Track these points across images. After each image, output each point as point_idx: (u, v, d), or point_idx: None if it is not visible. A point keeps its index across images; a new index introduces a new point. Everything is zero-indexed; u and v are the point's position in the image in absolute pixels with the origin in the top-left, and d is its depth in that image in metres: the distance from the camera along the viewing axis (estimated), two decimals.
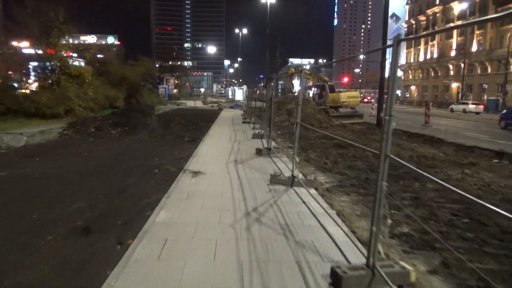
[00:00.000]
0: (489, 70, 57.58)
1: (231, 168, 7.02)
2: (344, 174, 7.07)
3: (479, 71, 59.90)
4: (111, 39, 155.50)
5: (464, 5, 58.93)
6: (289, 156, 8.60)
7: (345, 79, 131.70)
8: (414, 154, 10.53)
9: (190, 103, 37.08)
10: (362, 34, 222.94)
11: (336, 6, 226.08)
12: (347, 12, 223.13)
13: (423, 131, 18.21)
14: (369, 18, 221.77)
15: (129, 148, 9.17)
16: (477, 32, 59.68)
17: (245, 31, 77.18)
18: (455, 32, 67.11)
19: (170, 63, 78.57)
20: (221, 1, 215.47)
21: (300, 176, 6.18)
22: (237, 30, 73.52)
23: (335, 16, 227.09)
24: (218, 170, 6.76)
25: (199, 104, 40.27)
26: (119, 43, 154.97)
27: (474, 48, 60.01)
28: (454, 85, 67.09)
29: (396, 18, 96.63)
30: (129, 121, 12.10)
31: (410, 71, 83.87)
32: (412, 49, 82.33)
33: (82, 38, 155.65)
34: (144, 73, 22.39)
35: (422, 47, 77.98)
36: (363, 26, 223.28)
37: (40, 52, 13.06)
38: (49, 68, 13.06)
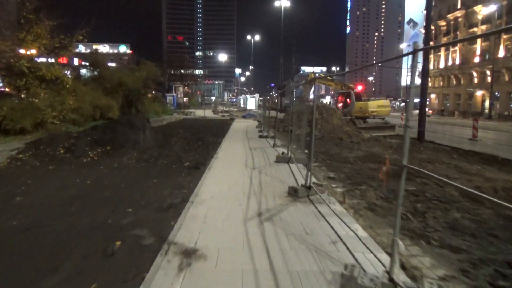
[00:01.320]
0: None
1: (254, 233, 3.96)
2: (459, 250, 3.91)
3: (506, 78, 56.13)
4: (123, 48, 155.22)
5: (489, 9, 55.35)
6: (341, 200, 5.57)
7: (359, 87, 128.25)
8: (494, 184, 7.43)
9: (199, 113, 34.31)
10: (375, 42, 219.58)
11: (348, 14, 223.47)
12: (359, 19, 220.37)
13: (475, 147, 15.11)
14: (382, 26, 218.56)
15: (97, 183, 6.18)
16: (505, 36, 56.00)
17: (256, 38, 74.69)
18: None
19: (182, 71, 76.61)
20: (232, 10, 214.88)
21: (396, 271, 3.00)
22: (249, 37, 71.02)
23: (348, 23, 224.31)
24: (230, 242, 3.70)
25: (209, 113, 37.47)
26: (131, 52, 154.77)
27: (501, 53, 56.23)
28: (479, 93, 63.28)
29: (414, 23, 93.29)
30: (114, 138, 9.19)
31: (429, 79, 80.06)
32: (432, 56, 78.60)
33: (95, 47, 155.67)
34: (146, 79, 19.64)
35: (442, 53, 74.31)
36: (376, 33, 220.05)
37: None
38: (15, 70, 10.26)
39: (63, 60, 15.65)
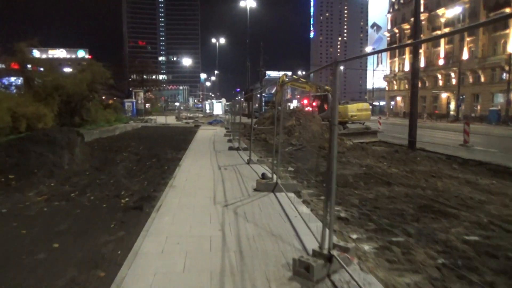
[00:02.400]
0: (482, 79, 54.38)
1: None
2: None
3: (471, 80, 56.69)
4: (81, 53, 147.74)
5: (452, 12, 55.87)
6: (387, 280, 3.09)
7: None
8: None
9: (161, 119, 31.25)
10: (339, 46, 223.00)
11: (312, 19, 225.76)
12: (323, 24, 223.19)
13: (473, 155, 13.44)
14: (345, 31, 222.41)
15: None
16: (468, 39, 56.57)
17: (221, 41, 72.15)
18: (442, 40, 64.06)
19: (145, 76, 72.89)
20: (196, 14, 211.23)
21: None
22: (213, 40, 68.39)
23: (311, 28, 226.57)
24: None
25: (171, 120, 34.42)
26: (90, 56, 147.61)
27: (465, 56, 56.68)
28: (444, 96, 63.81)
29: (377, 27, 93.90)
30: (22, 162, 6.32)
31: (395, 82, 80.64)
32: (397, 59, 79.26)
33: (51, 52, 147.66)
34: (92, 82, 16.56)
35: (407, 56, 74.79)
36: (340, 38, 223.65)
37: None
38: None
39: (14, 65, 14.81)
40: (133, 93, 45.16)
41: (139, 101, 44.36)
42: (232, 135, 17.21)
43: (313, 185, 7.31)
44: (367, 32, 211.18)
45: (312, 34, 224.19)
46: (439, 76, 64.37)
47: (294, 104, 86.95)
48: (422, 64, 69.28)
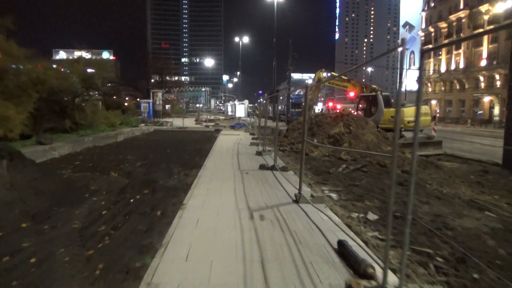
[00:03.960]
0: None
1: None
2: None
3: None
4: (106, 54, 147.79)
5: (506, 5, 50.57)
6: None
7: (351, 93, 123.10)
8: None
9: (179, 122, 27.98)
10: (365, 48, 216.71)
11: (337, 20, 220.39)
12: (348, 25, 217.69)
13: None
14: (371, 32, 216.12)
15: None
16: None
17: (245, 40, 68.73)
18: (485, 38, 58.62)
19: (166, 77, 70.48)
20: (219, 16, 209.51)
21: None
22: (237, 39, 65.02)
23: (337, 30, 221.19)
24: None
25: (190, 123, 31.17)
26: (114, 58, 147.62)
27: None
28: (487, 99, 58.36)
29: (410, 26, 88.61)
30: None
31: (429, 84, 75.27)
32: (432, 59, 73.89)
33: (76, 53, 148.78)
34: (88, 77, 13.30)
35: (444, 57, 69.57)
36: (365, 40, 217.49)
37: None
38: None
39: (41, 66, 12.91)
40: (151, 93, 42.20)
41: (157, 102, 41.35)
42: (260, 143, 13.62)
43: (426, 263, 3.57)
44: (394, 33, 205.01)
45: (337, 36, 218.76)
46: (481, 78, 58.96)
47: (318, 107, 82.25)
48: (461, 65, 64.12)
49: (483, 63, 58.88)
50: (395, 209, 5.77)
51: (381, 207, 5.82)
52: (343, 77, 19.24)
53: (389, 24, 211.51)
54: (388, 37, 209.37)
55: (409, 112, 15.82)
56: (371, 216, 5.21)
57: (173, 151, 12.21)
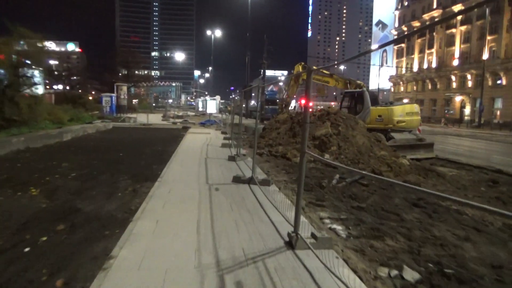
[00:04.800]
0: (504, 82, 49.35)
1: None
2: None
3: (490, 82, 51.55)
4: (71, 46, 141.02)
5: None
6: None
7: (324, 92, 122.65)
8: None
9: (143, 118, 25.47)
10: (337, 46, 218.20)
11: (310, 18, 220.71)
12: (321, 23, 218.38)
13: None
14: (344, 31, 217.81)
15: None
16: (489, 38, 51.40)
17: (217, 34, 66.08)
18: (457, 38, 58.89)
19: (137, 72, 66.99)
20: (191, 11, 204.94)
21: None
22: (209, 32, 62.42)
23: (309, 27, 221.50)
24: None
25: (156, 119, 28.68)
26: (80, 50, 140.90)
27: (485, 56, 51.50)
28: (458, 99, 58.73)
29: (383, 25, 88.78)
30: None
31: (401, 83, 75.49)
32: (404, 59, 74.06)
33: (39, 44, 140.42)
34: (21, 65, 10.80)
35: (416, 56, 69.75)
36: (337, 38, 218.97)
37: None
38: None
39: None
40: (115, 86, 39.15)
41: (122, 96, 38.47)
42: (234, 145, 11.62)
43: None
44: (366, 33, 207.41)
45: (310, 33, 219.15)
46: (453, 78, 59.22)
47: (292, 105, 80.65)
48: (433, 64, 64.34)
49: (455, 62, 59.19)
50: (430, 252, 3.94)
51: (412, 250, 3.96)
52: (324, 71, 17.49)
53: (360, 23, 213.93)
54: (360, 36, 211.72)
55: (398, 110, 14.23)
56: (410, 274, 3.32)
57: (127, 154, 10.00)
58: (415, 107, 15.01)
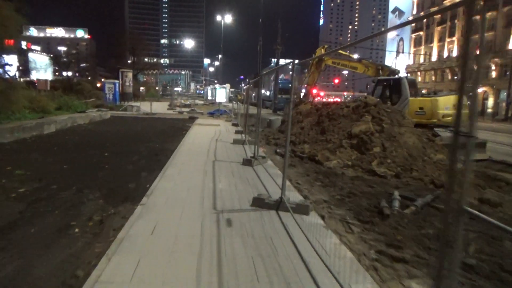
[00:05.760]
0: None
1: None
2: None
3: None
4: (80, 33, 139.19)
5: None
6: None
7: (336, 81, 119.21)
8: None
9: (146, 107, 23.36)
10: (349, 35, 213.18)
11: (322, 5, 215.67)
12: (333, 11, 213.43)
13: None
14: (356, 19, 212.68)
15: None
16: None
17: (227, 21, 63.36)
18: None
19: (146, 59, 64.82)
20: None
21: None
22: (219, 18, 59.74)
23: (321, 15, 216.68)
24: None
25: (162, 108, 26.60)
26: (89, 37, 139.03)
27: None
28: (480, 90, 55.47)
29: (400, 12, 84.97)
30: None
31: (419, 73, 72.21)
32: (423, 47, 70.69)
33: (49, 30, 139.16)
34: None
35: (435, 44, 66.37)
36: (350, 26, 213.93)
37: None
38: None
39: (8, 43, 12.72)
40: (120, 73, 37.04)
41: (127, 83, 36.42)
42: (247, 142, 9.45)
43: None
44: (379, 21, 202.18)
45: (321, 21, 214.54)
46: (476, 68, 55.84)
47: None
48: (454, 53, 61.02)
49: (478, 51, 55.82)
50: None
51: None
52: (350, 55, 15.12)
53: (374, 12, 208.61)
54: (373, 24, 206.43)
55: (444, 102, 11.87)
56: None
57: (115, 154, 7.86)
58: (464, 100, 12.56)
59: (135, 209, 4.20)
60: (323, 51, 15.99)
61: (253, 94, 29.31)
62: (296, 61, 5.01)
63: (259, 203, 4.50)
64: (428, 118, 11.85)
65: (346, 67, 15.62)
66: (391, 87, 13.11)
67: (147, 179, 5.69)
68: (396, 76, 13.49)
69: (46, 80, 20.26)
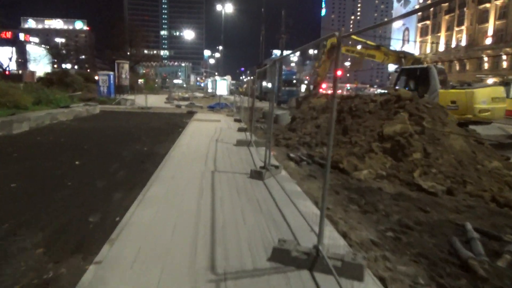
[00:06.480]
0: None
1: None
2: None
3: None
4: (79, 24, 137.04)
5: None
6: None
7: (339, 73, 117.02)
8: None
9: (141, 101, 21.68)
10: (351, 26, 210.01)
11: None
12: (335, 1, 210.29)
13: None
14: (359, 9, 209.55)
15: None
16: None
17: (228, 11, 61.28)
18: (492, 14, 53.40)
19: (146, 51, 63.06)
20: None
21: None
22: (219, 7, 57.70)
23: (323, 5, 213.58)
24: None
25: (159, 101, 24.97)
26: (88, 28, 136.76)
27: None
28: (490, 81, 53.61)
29: (405, 1, 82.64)
30: None
31: (425, 64, 69.97)
32: (429, 37, 68.56)
33: (47, 22, 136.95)
34: None
35: (443, 34, 64.28)
36: (352, 17, 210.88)
37: None
38: None
39: (6, 35, 9.43)
40: (115, 64, 35.26)
41: (123, 75, 34.69)
42: (253, 143, 7.83)
43: None
44: (381, 11, 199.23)
45: (323, 12, 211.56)
46: (485, 59, 54.02)
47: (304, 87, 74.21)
48: (463, 43, 58.96)
49: (488, 41, 53.89)
50: None
51: None
52: (368, 42, 13.40)
53: (377, 1, 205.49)
54: (376, 14, 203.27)
55: (481, 95, 10.21)
56: None
57: (88, 162, 6.25)
58: (502, 91, 10.92)
59: (85, 272, 2.60)
60: (335, 39, 14.27)
61: (255, 86, 27.41)
62: (295, 57, 3.35)
63: (282, 257, 2.88)
64: (461, 114, 10.19)
65: (362, 56, 13.92)
66: (417, 77, 11.43)
67: (120, 205, 4.08)
68: (420, 64, 11.80)
69: (33, 72, 18.61)
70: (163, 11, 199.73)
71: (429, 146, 6.53)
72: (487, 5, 53.95)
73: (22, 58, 54.51)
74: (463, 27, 58.65)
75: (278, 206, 4.31)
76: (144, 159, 6.68)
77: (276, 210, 4.17)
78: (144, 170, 5.79)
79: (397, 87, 12.05)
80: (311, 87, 15.59)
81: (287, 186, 5.13)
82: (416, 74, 11.52)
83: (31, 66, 50.54)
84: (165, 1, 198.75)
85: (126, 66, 36.25)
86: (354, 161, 6.55)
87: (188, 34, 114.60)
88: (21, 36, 64.85)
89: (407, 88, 11.72)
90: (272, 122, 6.01)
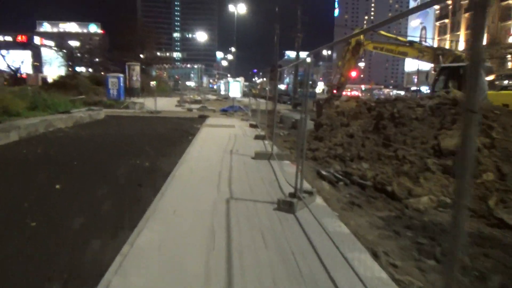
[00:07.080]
0: None
1: None
2: None
3: None
4: (93, 27, 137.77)
5: None
6: None
7: (353, 73, 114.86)
8: None
9: (151, 104, 20.53)
10: (365, 26, 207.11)
11: None
12: (348, 1, 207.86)
13: None
14: (372, 9, 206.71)
15: None
16: None
17: (240, 12, 60.05)
18: None
19: (159, 54, 62.38)
20: None
21: None
22: (232, 8, 56.49)
23: (336, 6, 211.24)
24: None
25: (169, 104, 23.84)
26: (102, 31, 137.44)
27: None
28: None
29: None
30: None
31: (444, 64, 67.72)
32: (448, 36, 66.28)
33: (62, 25, 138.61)
34: None
35: (462, 33, 61.99)
36: (366, 17, 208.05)
37: None
38: None
39: (22, 38, 8.26)
40: (126, 66, 34.36)
41: (134, 78, 33.75)
42: (275, 156, 6.48)
43: None
44: (396, 10, 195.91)
45: (337, 12, 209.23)
46: (509, 57, 51.65)
47: (319, 88, 71.54)
48: (483, 41, 56.55)
49: (511, 39, 51.59)
50: None
51: None
52: (399, 38, 11.95)
53: (391, 1, 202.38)
54: (390, 14, 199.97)
55: None
56: None
57: (70, 186, 4.98)
58: None
59: None
60: (362, 37, 12.82)
61: (267, 88, 26.07)
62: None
63: None
64: None
65: (392, 53, 12.48)
66: (460, 77, 9.91)
67: (94, 266, 2.76)
68: (458, 61, 10.32)
69: (37, 75, 17.63)
70: (176, 13, 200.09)
71: (504, 164, 5.08)
72: (510, 1, 51.68)
73: (38, 61, 54.24)
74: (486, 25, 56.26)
75: (324, 264, 2.93)
76: (142, 181, 5.39)
77: (322, 272, 2.80)
78: (139, 199, 4.49)
79: (434, 88, 10.55)
80: (333, 89, 14.16)
81: (328, 223, 3.76)
82: (458, 73, 10.01)
83: (46, 69, 50.22)
84: (178, 3, 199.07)
85: (137, 68, 35.39)
86: (407, 183, 5.14)
87: (201, 36, 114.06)
88: (36, 40, 64.72)
89: (439, 89, 10.23)
90: (305, 137, 4.64)
